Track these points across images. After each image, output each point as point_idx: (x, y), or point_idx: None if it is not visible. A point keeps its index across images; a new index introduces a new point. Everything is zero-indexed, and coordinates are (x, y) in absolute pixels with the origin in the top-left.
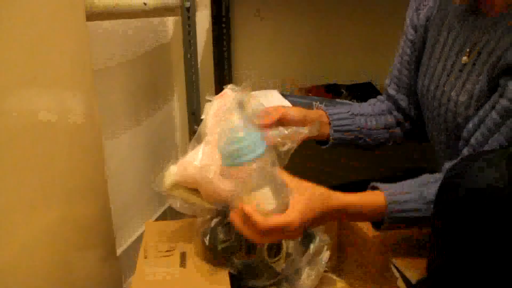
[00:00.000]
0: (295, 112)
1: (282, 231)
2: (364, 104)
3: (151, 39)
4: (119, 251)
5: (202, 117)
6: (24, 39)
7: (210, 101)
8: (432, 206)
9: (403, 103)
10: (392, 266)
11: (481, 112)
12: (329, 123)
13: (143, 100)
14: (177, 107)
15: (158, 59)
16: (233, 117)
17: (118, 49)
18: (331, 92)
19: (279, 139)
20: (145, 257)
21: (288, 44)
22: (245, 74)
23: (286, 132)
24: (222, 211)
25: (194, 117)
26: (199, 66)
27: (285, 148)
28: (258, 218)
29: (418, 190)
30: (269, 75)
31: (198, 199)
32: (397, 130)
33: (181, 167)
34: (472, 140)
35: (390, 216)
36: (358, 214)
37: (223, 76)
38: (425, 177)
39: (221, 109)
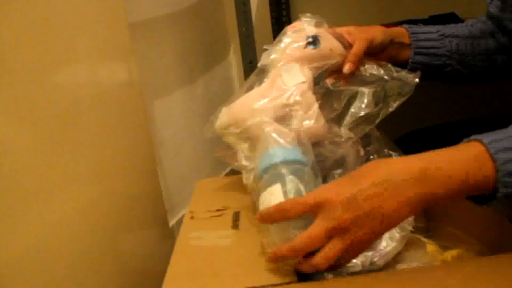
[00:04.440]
0: (381, 36)
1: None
2: (459, 24)
3: None
4: (172, 222)
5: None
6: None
7: (267, 49)
8: None
9: (510, 23)
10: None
11: None
12: (411, 44)
13: (197, 54)
14: (235, 60)
15: (210, 9)
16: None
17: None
18: None
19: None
20: (191, 218)
21: None
22: None
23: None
24: None
25: (251, 66)
26: (253, 13)
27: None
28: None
29: None
30: (332, 19)
31: (245, 147)
32: (500, 57)
33: (233, 108)
34: None
35: (503, 169)
36: (451, 179)
37: (281, 21)
38: None
39: (292, 45)
